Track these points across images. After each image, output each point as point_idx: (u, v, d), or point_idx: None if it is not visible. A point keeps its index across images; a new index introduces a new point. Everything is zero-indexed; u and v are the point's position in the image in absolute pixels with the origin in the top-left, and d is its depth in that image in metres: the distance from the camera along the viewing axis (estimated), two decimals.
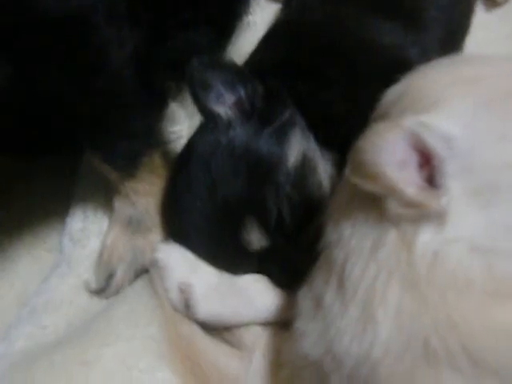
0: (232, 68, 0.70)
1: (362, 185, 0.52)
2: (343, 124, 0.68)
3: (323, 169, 0.69)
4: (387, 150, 0.51)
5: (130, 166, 0.72)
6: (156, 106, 0.73)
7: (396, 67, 0.62)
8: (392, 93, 0.60)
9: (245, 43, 0.91)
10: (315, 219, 0.66)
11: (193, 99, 0.69)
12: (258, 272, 0.70)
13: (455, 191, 0.50)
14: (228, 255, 0.68)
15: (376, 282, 0.51)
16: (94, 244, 0.77)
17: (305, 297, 0.59)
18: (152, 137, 0.73)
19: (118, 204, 0.76)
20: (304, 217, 0.67)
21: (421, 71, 0.60)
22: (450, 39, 0.82)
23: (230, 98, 0.68)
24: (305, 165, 0.68)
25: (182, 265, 0.68)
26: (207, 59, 0.68)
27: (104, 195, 0.79)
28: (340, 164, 0.68)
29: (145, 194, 0.75)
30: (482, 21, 0.93)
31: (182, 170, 0.71)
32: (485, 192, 0.50)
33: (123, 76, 0.62)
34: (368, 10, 0.76)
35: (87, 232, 0.78)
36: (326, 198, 0.68)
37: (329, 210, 0.61)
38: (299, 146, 0.68)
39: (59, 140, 0.69)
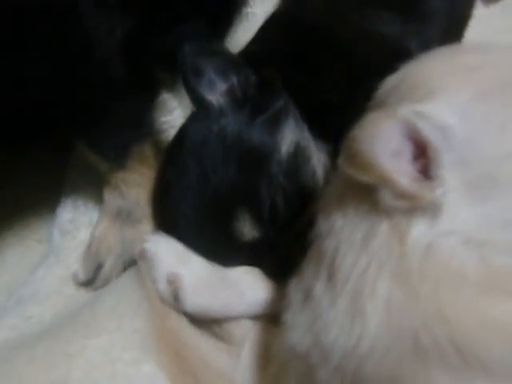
0: (225, 55, 0.68)
1: (354, 175, 0.50)
2: (339, 114, 0.67)
3: (317, 158, 0.68)
4: (381, 139, 0.50)
5: (119, 156, 0.71)
6: (147, 96, 0.72)
7: (395, 57, 0.61)
8: (389, 82, 0.59)
9: (244, 35, 0.89)
10: (309, 209, 0.64)
11: (184, 86, 0.67)
12: (250, 263, 0.68)
13: (451, 183, 0.48)
14: (219, 247, 0.67)
15: (366, 273, 0.50)
16: (83, 235, 0.76)
17: (295, 288, 0.58)
18: (142, 126, 0.72)
19: (108, 195, 0.74)
20: (297, 207, 0.66)
21: (419, 60, 0.58)
22: (451, 30, 0.81)
23: (222, 86, 0.67)
24: (298, 154, 0.67)
25: (171, 255, 0.67)
26: (199, 46, 0.67)
27: (95, 186, 0.78)
28: (335, 154, 0.67)
29: (135, 185, 0.73)
30: (479, 15, 0.92)
31: (173, 159, 0.69)
32: (481, 184, 0.48)
33: (111, 64, 0.61)
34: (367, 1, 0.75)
35: (77, 223, 0.77)
36: (320, 188, 0.66)
37: (321, 200, 0.60)
38: (292, 136, 0.67)
39: (48, 128, 0.67)
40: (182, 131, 0.71)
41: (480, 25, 0.91)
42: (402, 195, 0.49)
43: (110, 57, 0.60)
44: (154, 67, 0.74)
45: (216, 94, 0.66)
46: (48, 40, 0.57)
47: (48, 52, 0.57)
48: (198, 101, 0.67)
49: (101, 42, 0.59)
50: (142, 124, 0.72)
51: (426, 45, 0.73)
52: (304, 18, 0.76)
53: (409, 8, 0.75)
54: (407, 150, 0.50)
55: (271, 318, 0.66)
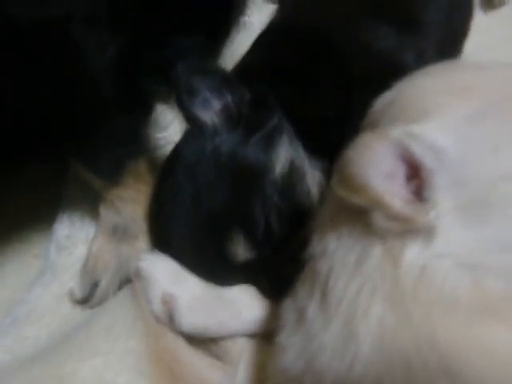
0: (219, 74, 0.68)
1: (347, 197, 0.50)
2: (334, 130, 0.66)
3: (312, 177, 0.67)
4: (373, 161, 0.49)
5: (113, 173, 0.71)
6: (141, 112, 0.72)
7: (390, 72, 0.61)
8: (382, 100, 0.58)
9: (240, 45, 0.89)
10: (303, 228, 0.64)
11: (178, 105, 0.67)
12: (246, 282, 0.68)
13: (444, 205, 0.48)
14: (213, 266, 0.66)
15: (359, 296, 0.49)
16: (80, 251, 0.76)
17: (288, 309, 0.58)
18: (137, 143, 0.71)
19: (104, 211, 0.74)
20: (292, 226, 0.65)
21: (412, 78, 0.58)
22: (448, 44, 0.80)
23: (216, 105, 0.66)
24: (292, 173, 0.66)
25: (165, 275, 0.67)
26: (193, 64, 0.66)
27: (91, 201, 0.78)
28: (330, 171, 0.66)
29: (130, 202, 0.73)
30: (479, 24, 0.91)
31: (167, 177, 0.69)
32: (475, 207, 0.48)
33: (103, 80, 0.60)
34: (363, 12, 0.74)
35: (74, 239, 0.77)
36: (315, 207, 0.66)
37: (315, 220, 0.59)
38: (286, 154, 0.66)
39: (42, 147, 0.67)
40: (176, 149, 0.70)
41: (480, 34, 0.90)
42: (395, 218, 0.48)
43: (101, 73, 0.60)
44: (150, 81, 0.73)
45: (210, 112, 0.66)
46: (38, 58, 0.56)
47: (38, 70, 0.57)
48: (192, 119, 0.67)
49: (91, 59, 0.59)
50: (136, 141, 0.72)
51: (423, 58, 0.73)
52: (301, 29, 0.76)
53: (405, 21, 0.75)
54: (400, 172, 0.49)
55: (267, 337, 0.65)
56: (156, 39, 0.69)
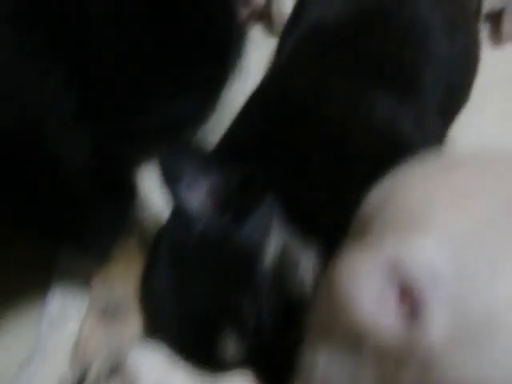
0: (202, 156, 0.65)
1: (335, 320, 0.47)
2: (327, 211, 0.63)
3: (305, 263, 0.64)
4: (363, 283, 0.46)
5: (103, 254, 0.68)
6: (126, 197, 0.69)
7: (388, 145, 0.57)
8: (375, 195, 0.55)
9: (236, 93, 0.84)
10: (296, 322, 0.61)
11: (164, 191, 0.64)
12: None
13: (440, 329, 0.45)
14: (203, 361, 0.64)
15: None
16: (71, 328, 0.74)
17: None
18: (125, 226, 0.69)
19: (95, 289, 0.72)
20: (284, 318, 0.62)
21: (406, 174, 0.54)
22: (451, 101, 0.75)
23: (201, 189, 0.63)
24: (284, 262, 0.63)
25: (155, 369, 0.64)
26: (177, 149, 0.63)
27: (83, 277, 0.75)
28: (324, 255, 0.63)
29: (120, 281, 0.71)
30: (486, 60, 0.86)
31: (153, 265, 0.66)
32: (473, 332, 0.44)
33: (83, 180, 0.58)
34: (356, 81, 0.69)
35: (65, 314, 0.75)
36: (308, 296, 0.63)
37: (309, 318, 0.56)
38: (278, 241, 0.63)
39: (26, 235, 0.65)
40: (162, 235, 0.68)
41: (487, 71, 0.85)
42: (388, 343, 0.45)
43: (80, 172, 0.57)
44: (133, 155, 0.70)
45: (196, 196, 0.63)
46: (13, 160, 0.54)
47: (13, 172, 0.55)
48: (178, 206, 0.64)
49: (68, 159, 0.56)
50: (123, 224, 0.69)
51: (422, 122, 0.69)
52: (291, 98, 0.71)
53: (402, 86, 0.70)
54: (392, 295, 0.46)
55: None
56: (137, 121, 0.65)
